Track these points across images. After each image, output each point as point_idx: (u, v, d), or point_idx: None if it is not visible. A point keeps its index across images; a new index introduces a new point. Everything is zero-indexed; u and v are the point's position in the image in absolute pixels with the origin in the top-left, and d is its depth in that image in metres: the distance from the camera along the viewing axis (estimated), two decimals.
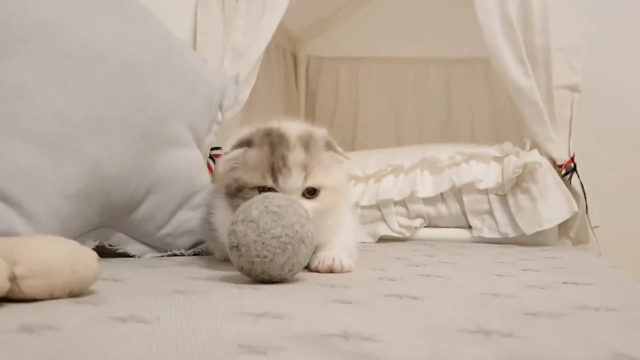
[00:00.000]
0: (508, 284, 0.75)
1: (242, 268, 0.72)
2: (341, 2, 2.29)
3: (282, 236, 0.69)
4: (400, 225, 1.49)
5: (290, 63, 2.37)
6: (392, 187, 1.51)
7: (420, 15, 2.29)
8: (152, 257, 1.04)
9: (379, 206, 1.50)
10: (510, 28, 1.44)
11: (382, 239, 1.47)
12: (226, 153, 0.83)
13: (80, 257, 0.59)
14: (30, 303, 0.54)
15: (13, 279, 0.53)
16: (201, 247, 1.10)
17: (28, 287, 0.54)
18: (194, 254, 1.09)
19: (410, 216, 1.50)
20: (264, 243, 0.69)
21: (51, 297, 0.56)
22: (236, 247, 0.70)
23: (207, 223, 1.00)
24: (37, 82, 0.84)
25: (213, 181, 1.25)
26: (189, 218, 1.08)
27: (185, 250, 1.08)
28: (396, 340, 0.42)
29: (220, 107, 1.33)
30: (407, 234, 1.48)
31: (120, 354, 0.37)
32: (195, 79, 1.19)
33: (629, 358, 0.38)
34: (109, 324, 0.46)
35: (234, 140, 0.84)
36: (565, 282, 0.76)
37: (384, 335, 0.43)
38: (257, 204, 0.72)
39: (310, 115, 2.46)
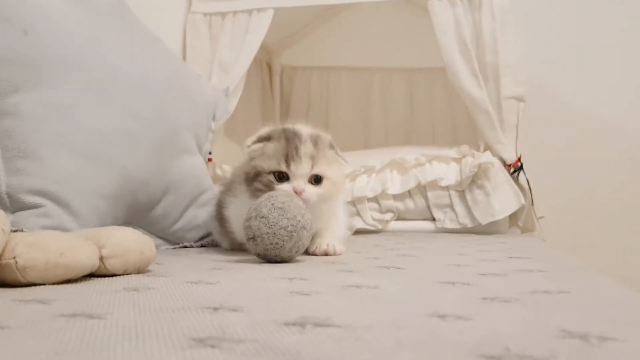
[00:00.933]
0: (467, 259, 0.95)
1: (258, 254, 0.90)
2: (312, 15, 2.47)
3: (288, 226, 0.88)
4: (374, 219, 1.68)
5: (265, 72, 2.54)
6: (366, 185, 1.69)
7: (385, 28, 2.47)
8: (166, 248, 1.21)
9: (354, 202, 1.69)
10: (465, 47, 1.64)
11: (358, 232, 1.65)
12: (248, 146, 1.01)
13: (144, 242, 0.76)
14: (113, 277, 0.71)
15: (100, 258, 0.71)
16: (207, 239, 1.28)
17: (111, 264, 0.72)
18: (201, 246, 1.27)
19: (381, 211, 1.70)
20: (274, 234, 0.87)
21: (125, 273, 0.74)
22: (252, 239, 0.89)
23: (216, 219, 1.18)
24: (79, 103, 1.00)
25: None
26: (197, 215, 1.26)
27: (194, 242, 1.26)
28: (392, 288, 0.62)
29: (214, 117, 1.51)
30: (380, 227, 1.68)
31: (220, 298, 0.55)
32: (196, 94, 1.37)
33: (542, 292, 0.59)
34: (188, 285, 0.64)
35: (254, 137, 1.01)
36: (510, 257, 0.98)
37: (383, 286, 0.63)
38: (265, 202, 0.90)
39: (285, 121, 2.64)
